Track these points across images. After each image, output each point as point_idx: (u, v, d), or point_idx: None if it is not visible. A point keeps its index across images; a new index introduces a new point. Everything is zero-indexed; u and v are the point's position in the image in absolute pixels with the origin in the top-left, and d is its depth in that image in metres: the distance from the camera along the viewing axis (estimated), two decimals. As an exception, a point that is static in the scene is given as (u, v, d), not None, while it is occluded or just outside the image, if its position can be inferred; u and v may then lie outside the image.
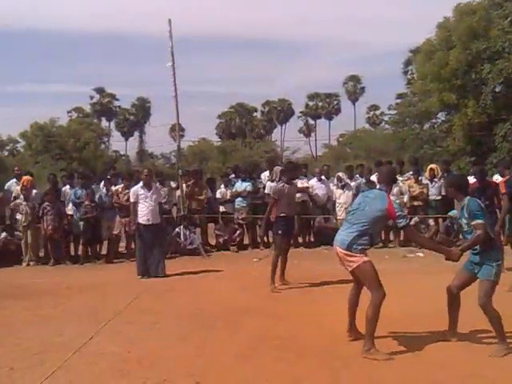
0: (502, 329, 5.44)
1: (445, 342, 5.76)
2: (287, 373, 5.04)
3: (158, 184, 12.80)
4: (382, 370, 5.04)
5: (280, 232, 9.13)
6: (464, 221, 5.66)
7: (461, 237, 6.32)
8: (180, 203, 13.44)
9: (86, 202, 12.33)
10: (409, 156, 24.17)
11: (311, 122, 79.95)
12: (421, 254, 11.45)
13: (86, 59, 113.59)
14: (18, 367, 5.36)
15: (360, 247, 5.55)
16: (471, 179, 13.10)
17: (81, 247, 12.62)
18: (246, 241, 13.91)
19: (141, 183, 10.62)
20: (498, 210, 9.64)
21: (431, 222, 12.96)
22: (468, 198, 5.69)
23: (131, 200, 10.61)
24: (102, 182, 13.20)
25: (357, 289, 5.96)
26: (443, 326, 6.05)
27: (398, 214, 5.52)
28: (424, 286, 8.36)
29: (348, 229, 5.67)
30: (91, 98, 75.32)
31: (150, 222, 10.35)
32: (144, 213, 10.36)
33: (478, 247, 5.57)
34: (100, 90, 75.65)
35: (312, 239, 14.06)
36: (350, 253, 5.55)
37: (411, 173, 13.77)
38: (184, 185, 13.64)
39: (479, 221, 5.45)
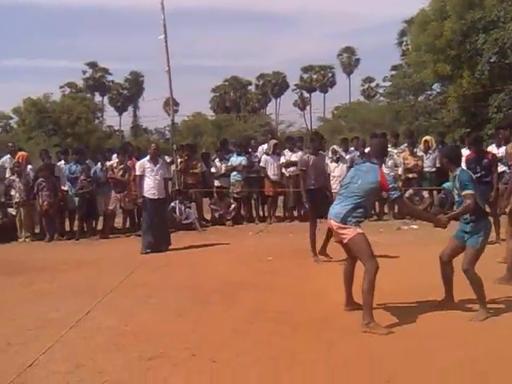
0: (483, 294, 5.63)
1: (439, 312, 5.81)
2: (283, 346, 5.07)
3: (166, 158, 12.80)
4: (378, 341, 5.08)
5: (308, 205, 9.06)
6: (455, 191, 5.82)
7: (454, 208, 6.39)
8: (175, 178, 13.43)
9: (82, 177, 12.29)
10: (404, 128, 24.19)
11: (306, 95, 79.56)
12: (415, 226, 11.50)
13: (78, 33, 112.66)
14: (15, 342, 5.39)
15: (354, 220, 5.57)
16: (465, 151, 13.16)
17: (76, 223, 12.62)
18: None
19: (148, 157, 10.59)
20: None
21: (425, 194, 12.98)
22: (460, 168, 5.84)
23: (137, 173, 10.59)
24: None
25: (351, 262, 5.98)
26: (437, 296, 6.12)
27: (390, 186, 5.58)
28: (418, 257, 8.40)
29: (342, 202, 5.68)
30: (84, 72, 74.72)
31: (156, 197, 10.36)
32: (150, 186, 10.35)
33: (468, 217, 5.71)
34: (93, 65, 74.90)
35: (307, 212, 14.06)
36: (344, 225, 5.57)
37: (406, 145, 13.74)
38: (179, 159, 13.62)
39: (469, 191, 5.59)
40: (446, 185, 10.73)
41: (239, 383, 4.29)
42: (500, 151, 10.74)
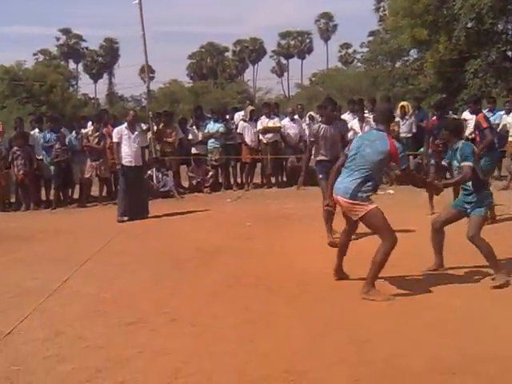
0: (495, 258, 5.61)
1: (416, 278, 5.92)
2: (262, 310, 5.14)
3: (142, 126, 12.65)
4: (355, 304, 5.18)
5: (320, 177, 7.99)
6: (456, 163, 5.79)
7: (452, 174, 6.50)
8: (151, 146, 13.33)
9: (57, 146, 12.13)
10: (381, 94, 24.21)
11: (283, 61, 79.03)
12: (391, 191, 11.60)
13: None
14: (-7, 311, 5.39)
15: (365, 194, 5.28)
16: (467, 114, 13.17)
17: (52, 192, 12.51)
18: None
19: (125, 124, 10.48)
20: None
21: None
22: (462, 141, 5.84)
23: (114, 140, 10.50)
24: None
25: (349, 232, 5.82)
26: (424, 262, 6.21)
27: (400, 155, 5.33)
28: (398, 222, 8.49)
29: (349, 176, 5.35)
30: (57, 39, 73.22)
31: (133, 164, 10.28)
32: (127, 154, 10.26)
33: (470, 188, 5.72)
34: (66, 31, 73.41)
35: (285, 179, 14.12)
36: (355, 201, 5.28)
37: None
38: (154, 127, 13.50)
39: (468, 163, 5.57)
40: (422, 150, 10.87)
41: (218, 346, 4.34)
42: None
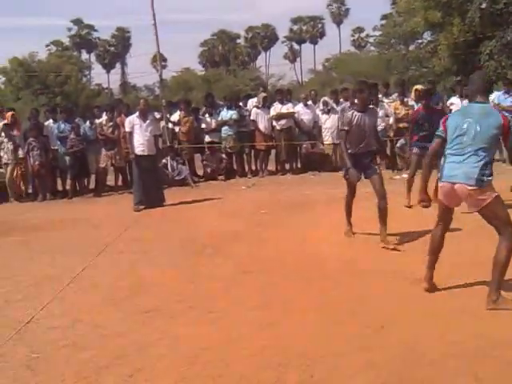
0: None
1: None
2: (277, 295, 5.16)
3: (155, 114, 12.69)
4: (370, 289, 5.18)
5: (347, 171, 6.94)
6: None
7: None
8: (165, 135, 13.36)
9: (72, 136, 12.20)
10: (395, 78, 24.04)
11: (296, 46, 78.59)
12: (398, 177, 11.53)
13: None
14: (12, 299, 5.46)
15: (489, 178, 4.55)
16: (455, 99, 13.17)
17: (68, 182, 12.60)
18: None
19: (137, 113, 10.49)
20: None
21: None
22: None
23: (126, 130, 10.52)
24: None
25: (445, 228, 5.02)
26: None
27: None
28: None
29: (468, 159, 4.56)
30: (69, 30, 73.40)
31: (146, 153, 10.28)
32: (139, 143, 10.26)
33: None
34: (78, 22, 73.52)
35: (299, 165, 14.10)
36: (481, 188, 4.53)
37: (396, 94, 13.67)
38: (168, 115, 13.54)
39: None
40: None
41: (235, 332, 4.36)
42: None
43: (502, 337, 4.00)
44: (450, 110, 12.12)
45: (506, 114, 13.00)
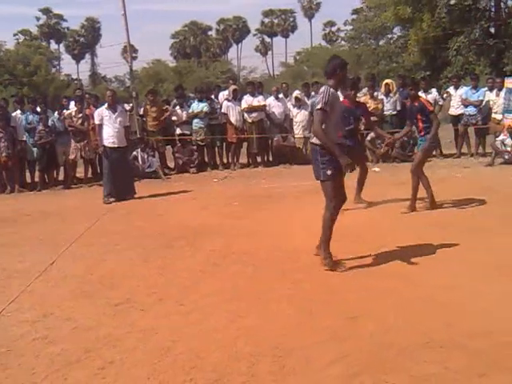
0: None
1: (393, 251, 5.98)
2: (249, 286, 5.19)
3: (125, 106, 12.57)
4: (340, 280, 5.23)
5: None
6: None
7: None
8: (135, 126, 13.26)
9: (40, 127, 12.00)
10: (365, 73, 24.23)
11: (267, 39, 78.57)
12: (377, 169, 11.65)
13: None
14: (-19, 293, 5.38)
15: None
16: (420, 93, 13.39)
17: (37, 174, 12.41)
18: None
19: (105, 105, 10.36)
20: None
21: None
22: None
23: (96, 122, 10.38)
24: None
25: None
26: (399, 240, 6.29)
27: None
28: (382, 198, 8.62)
29: None
30: (38, 19, 72.14)
31: (116, 145, 10.17)
32: (109, 135, 10.14)
33: None
34: (46, 11, 72.31)
35: (271, 158, 14.12)
36: None
37: (366, 88, 13.76)
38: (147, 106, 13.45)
39: None
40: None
41: (207, 324, 4.37)
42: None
43: (470, 326, 4.08)
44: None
45: (474, 109, 13.32)
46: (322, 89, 5.37)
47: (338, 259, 5.60)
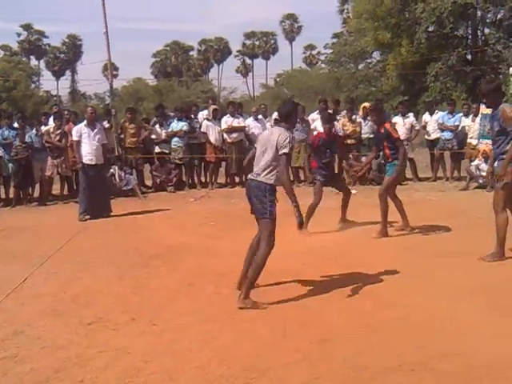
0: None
1: (366, 273, 6.01)
2: (223, 306, 5.16)
3: (104, 124, 12.52)
4: (315, 301, 5.23)
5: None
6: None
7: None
8: (114, 143, 13.21)
9: (17, 143, 11.89)
10: (344, 96, 24.50)
11: (248, 61, 79.13)
12: (354, 191, 11.69)
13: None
14: (-51, 310, 5.27)
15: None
16: (398, 118, 13.57)
17: (12, 190, 12.26)
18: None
19: (84, 122, 10.31)
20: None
21: (364, 159, 13.20)
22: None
23: (74, 138, 10.32)
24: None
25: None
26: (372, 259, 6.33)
27: None
28: (356, 220, 8.68)
29: None
30: (18, 35, 71.86)
31: (94, 162, 10.13)
32: (87, 152, 10.10)
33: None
34: (27, 27, 72.05)
35: (249, 178, 14.12)
36: None
37: (345, 111, 13.92)
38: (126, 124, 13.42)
39: None
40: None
41: (180, 345, 4.33)
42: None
43: (440, 348, 4.10)
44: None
45: (450, 134, 13.51)
46: (281, 131, 5.23)
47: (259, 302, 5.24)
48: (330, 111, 13.40)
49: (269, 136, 5.33)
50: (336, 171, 9.27)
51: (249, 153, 12.65)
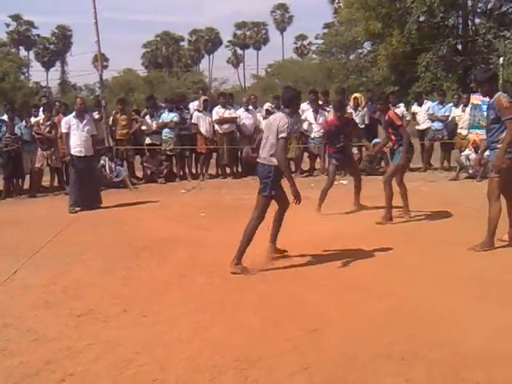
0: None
1: (358, 263, 6.03)
2: (214, 297, 5.16)
3: (94, 115, 12.45)
4: (305, 291, 5.25)
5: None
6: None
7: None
8: (104, 134, 13.14)
9: (7, 135, 11.80)
10: (335, 86, 24.50)
11: (239, 51, 78.88)
12: (344, 182, 11.73)
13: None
14: None
15: None
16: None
17: (1, 182, 12.19)
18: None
19: (73, 113, 10.25)
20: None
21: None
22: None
23: (63, 130, 10.26)
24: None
25: None
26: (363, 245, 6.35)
27: None
28: (345, 210, 8.70)
29: None
30: (7, 25, 71.30)
31: (83, 154, 10.08)
32: (76, 144, 10.04)
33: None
34: (16, 17, 71.46)
35: (240, 169, 14.12)
36: None
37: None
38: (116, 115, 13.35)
39: None
40: (376, 141, 11.05)
41: (170, 336, 4.33)
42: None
43: (431, 337, 4.12)
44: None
45: (440, 124, 13.62)
46: (282, 117, 5.88)
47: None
48: (321, 102, 13.44)
49: (272, 121, 5.97)
50: (350, 156, 9.58)
51: (239, 144, 12.88)
